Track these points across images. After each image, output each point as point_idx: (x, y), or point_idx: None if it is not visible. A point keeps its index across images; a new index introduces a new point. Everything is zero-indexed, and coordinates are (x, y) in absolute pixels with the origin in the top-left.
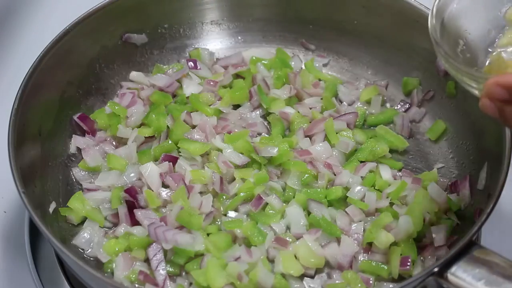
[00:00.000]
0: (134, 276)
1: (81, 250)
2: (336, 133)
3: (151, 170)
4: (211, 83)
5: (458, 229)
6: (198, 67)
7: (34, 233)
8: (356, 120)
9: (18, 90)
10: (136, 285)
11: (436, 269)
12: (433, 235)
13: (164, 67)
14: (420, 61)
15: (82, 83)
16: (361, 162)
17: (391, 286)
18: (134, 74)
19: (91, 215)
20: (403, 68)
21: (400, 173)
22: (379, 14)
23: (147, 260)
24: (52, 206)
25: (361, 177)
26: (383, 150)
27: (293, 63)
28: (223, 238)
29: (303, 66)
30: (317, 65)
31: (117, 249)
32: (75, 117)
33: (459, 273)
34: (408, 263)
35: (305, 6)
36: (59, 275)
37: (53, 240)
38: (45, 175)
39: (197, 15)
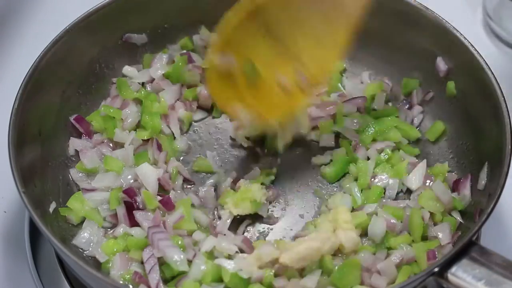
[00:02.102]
0: (129, 276)
1: (81, 250)
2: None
3: (147, 171)
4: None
5: (458, 229)
6: (194, 61)
7: (34, 233)
8: (365, 103)
9: (18, 90)
10: (130, 286)
11: (436, 269)
12: (439, 234)
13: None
14: (420, 61)
15: (82, 83)
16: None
17: (390, 286)
18: (127, 69)
19: (90, 215)
20: (403, 68)
21: (417, 159)
22: (379, 14)
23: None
24: (52, 206)
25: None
26: (395, 134)
27: None
28: (213, 270)
29: None
30: None
31: (115, 250)
32: (71, 119)
33: (459, 273)
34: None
35: None
36: (59, 275)
37: (53, 240)
38: (45, 175)
39: (197, 15)
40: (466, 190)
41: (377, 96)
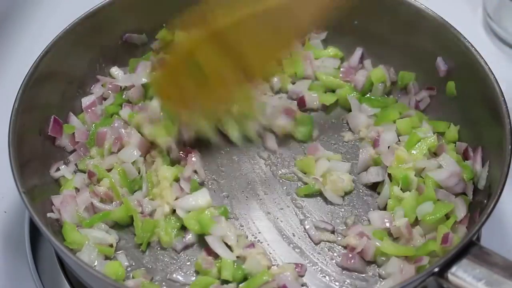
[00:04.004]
0: None
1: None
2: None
3: None
4: None
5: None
6: None
7: (34, 233)
8: (364, 84)
9: (19, 90)
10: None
11: (436, 269)
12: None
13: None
14: (420, 61)
15: (82, 83)
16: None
17: (391, 286)
18: (114, 71)
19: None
20: (403, 68)
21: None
22: (379, 14)
23: None
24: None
25: None
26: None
27: None
28: None
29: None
30: (316, 41)
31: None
32: (52, 117)
33: (460, 273)
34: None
35: None
36: (59, 275)
37: (53, 240)
38: (45, 175)
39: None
40: (477, 164)
41: (375, 86)
